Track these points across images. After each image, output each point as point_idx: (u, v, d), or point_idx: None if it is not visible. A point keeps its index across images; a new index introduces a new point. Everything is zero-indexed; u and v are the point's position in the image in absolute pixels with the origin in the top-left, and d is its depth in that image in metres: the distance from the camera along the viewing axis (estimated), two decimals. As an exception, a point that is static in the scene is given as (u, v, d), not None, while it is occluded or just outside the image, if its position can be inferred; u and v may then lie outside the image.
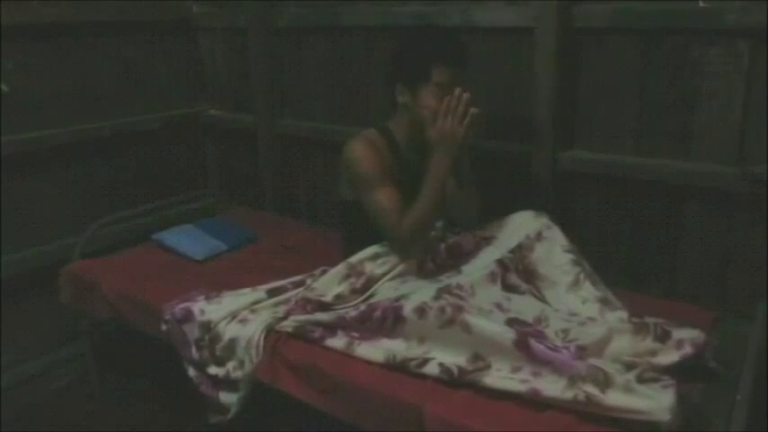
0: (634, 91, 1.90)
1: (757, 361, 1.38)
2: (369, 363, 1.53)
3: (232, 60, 2.77)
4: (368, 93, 2.43)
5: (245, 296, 1.78)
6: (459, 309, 1.48)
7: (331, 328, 1.62)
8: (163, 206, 2.56)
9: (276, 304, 1.76)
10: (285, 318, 1.67)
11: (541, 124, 1.98)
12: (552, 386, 1.33)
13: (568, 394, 1.30)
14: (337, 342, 1.59)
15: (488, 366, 1.42)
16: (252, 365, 1.62)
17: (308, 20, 2.48)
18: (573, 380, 1.32)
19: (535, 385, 1.34)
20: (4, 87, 2.17)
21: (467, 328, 1.45)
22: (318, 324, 1.63)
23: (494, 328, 1.43)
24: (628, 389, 1.29)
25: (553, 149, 1.99)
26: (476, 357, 1.44)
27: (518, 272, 1.68)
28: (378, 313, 1.56)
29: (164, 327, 1.79)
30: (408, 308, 1.52)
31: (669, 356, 1.41)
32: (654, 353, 1.42)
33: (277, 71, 2.63)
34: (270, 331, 1.65)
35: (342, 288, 1.72)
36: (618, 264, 1.98)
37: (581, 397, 1.29)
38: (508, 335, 1.40)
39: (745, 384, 1.28)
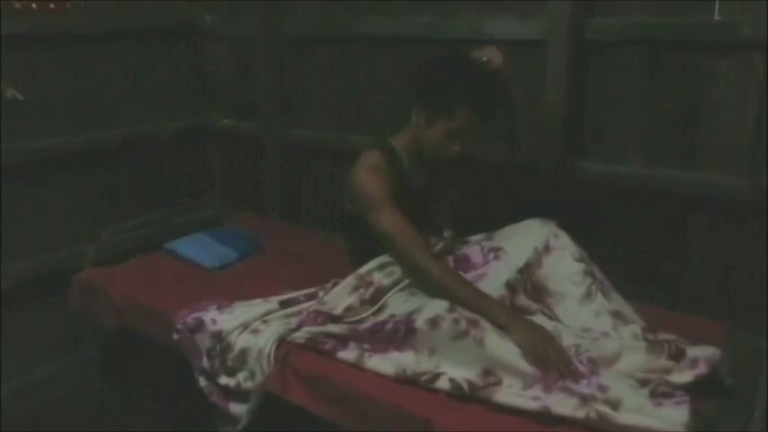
0: (644, 102, 1.91)
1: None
2: (379, 375, 1.52)
3: (239, 69, 2.78)
4: (374, 103, 2.43)
5: (257, 307, 1.78)
6: (474, 323, 1.47)
7: (343, 340, 1.61)
8: (170, 215, 2.56)
9: (288, 315, 1.76)
10: (297, 329, 1.66)
11: (551, 135, 1.98)
12: (564, 404, 1.33)
13: (580, 413, 1.30)
14: (348, 354, 1.58)
15: (499, 382, 1.41)
16: (263, 376, 1.61)
17: (315, 30, 2.49)
18: (585, 398, 1.32)
19: (546, 403, 1.34)
20: (13, 95, 2.17)
21: (480, 342, 1.44)
22: (330, 336, 1.62)
23: (510, 349, 1.43)
24: (640, 410, 1.28)
25: (563, 160, 1.99)
26: (487, 372, 1.43)
27: (527, 292, 1.66)
28: (389, 326, 1.56)
29: (175, 336, 1.78)
30: (421, 320, 1.51)
31: (683, 376, 1.40)
32: (668, 371, 1.41)
33: (284, 80, 2.63)
34: (281, 342, 1.64)
35: (352, 300, 1.71)
36: (626, 274, 1.97)
37: (593, 415, 1.29)
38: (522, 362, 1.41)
39: (760, 399, 1.27)
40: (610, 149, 2.00)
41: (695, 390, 1.37)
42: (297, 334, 1.64)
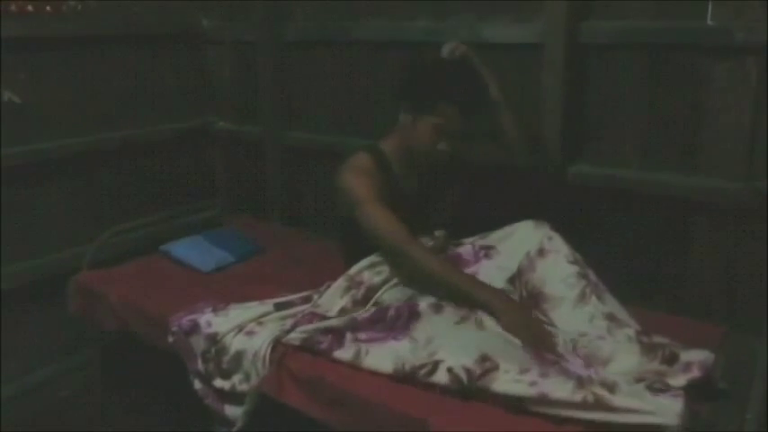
0: (641, 106, 1.91)
1: (765, 378, 1.37)
2: (375, 375, 1.52)
3: (240, 73, 2.79)
4: (375, 106, 2.44)
5: (252, 309, 1.78)
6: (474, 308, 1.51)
7: (340, 336, 1.61)
8: (170, 216, 2.58)
9: (283, 318, 1.76)
10: (292, 330, 1.67)
11: (548, 138, 1.98)
12: (561, 388, 1.32)
13: (577, 396, 1.30)
14: (345, 354, 1.57)
15: (496, 367, 1.39)
16: (258, 379, 1.62)
17: (316, 34, 2.50)
18: (581, 382, 1.32)
19: (543, 389, 1.33)
20: (10, 97, 2.19)
21: (480, 324, 1.48)
22: (328, 331, 1.62)
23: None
24: (637, 394, 1.30)
25: (560, 163, 1.99)
26: (483, 358, 1.41)
27: (522, 299, 1.67)
28: (392, 312, 1.58)
29: (170, 338, 1.79)
30: (424, 304, 1.55)
31: (676, 380, 1.39)
32: (661, 375, 1.41)
33: (285, 84, 2.64)
34: (277, 344, 1.64)
35: (345, 302, 1.72)
36: (624, 278, 1.98)
37: (590, 398, 1.28)
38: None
39: (754, 401, 1.27)
40: (608, 152, 2.00)
41: (689, 393, 1.37)
42: (292, 335, 1.64)
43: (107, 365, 2.32)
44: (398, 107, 1.81)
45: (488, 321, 1.48)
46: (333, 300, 1.73)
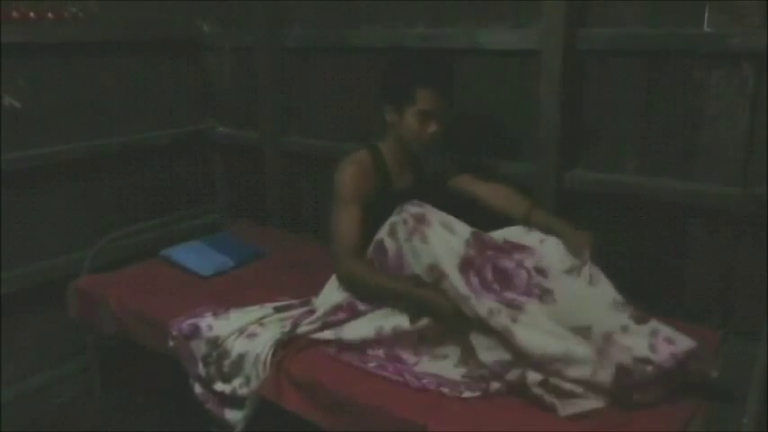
0: (638, 111, 1.92)
1: (763, 381, 1.38)
2: (373, 379, 1.54)
3: (240, 78, 2.80)
4: (372, 111, 2.45)
5: (252, 313, 1.79)
6: (420, 219, 1.64)
7: (351, 305, 1.71)
8: (170, 221, 2.59)
9: (283, 319, 1.78)
10: (293, 329, 1.68)
11: (546, 143, 1.99)
12: (484, 304, 1.51)
13: (496, 319, 1.48)
14: (365, 318, 1.69)
15: (444, 275, 1.56)
16: (258, 382, 1.63)
17: (314, 40, 2.51)
18: (492, 310, 1.50)
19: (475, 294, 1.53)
20: (10, 102, 2.20)
21: (424, 239, 1.60)
22: (337, 308, 1.72)
23: (448, 246, 1.60)
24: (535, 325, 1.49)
25: (557, 168, 2.00)
26: (431, 268, 1.59)
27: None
28: (372, 252, 1.74)
29: (171, 343, 1.79)
30: (384, 234, 1.70)
31: (637, 339, 1.43)
32: (625, 328, 1.45)
33: (284, 89, 2.66)
34: (278, 348, 1.65)
35: (340, 297, 1.76)
36: (621, 283, 1.98)
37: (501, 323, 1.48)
38: (459, 247, 1.59)
39: (752, 403, 1.28)
40: (605, 157, 2.01)
41: (686, 395, 1.38)
42: (302, 328, 1.68)
43: (106, 369, 2.32)
44: (383, 112, 1.87)
45: (430, 233, 1.60)
46: (329, 297, 1.76)
